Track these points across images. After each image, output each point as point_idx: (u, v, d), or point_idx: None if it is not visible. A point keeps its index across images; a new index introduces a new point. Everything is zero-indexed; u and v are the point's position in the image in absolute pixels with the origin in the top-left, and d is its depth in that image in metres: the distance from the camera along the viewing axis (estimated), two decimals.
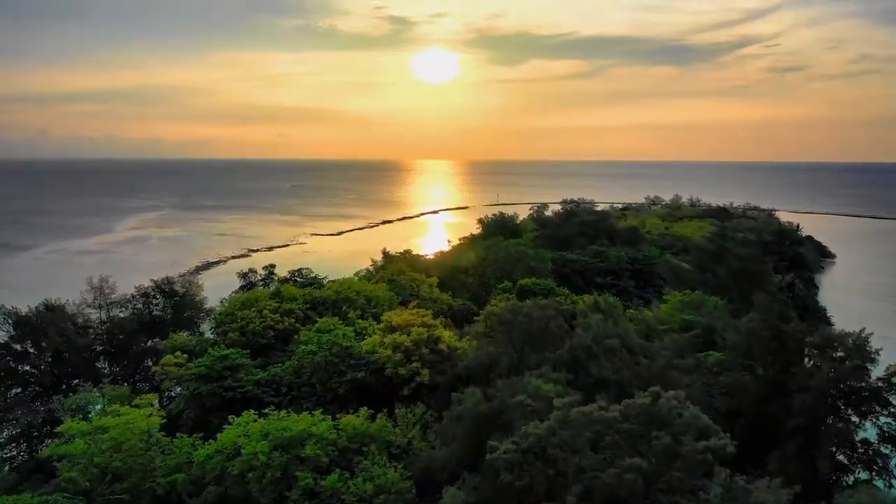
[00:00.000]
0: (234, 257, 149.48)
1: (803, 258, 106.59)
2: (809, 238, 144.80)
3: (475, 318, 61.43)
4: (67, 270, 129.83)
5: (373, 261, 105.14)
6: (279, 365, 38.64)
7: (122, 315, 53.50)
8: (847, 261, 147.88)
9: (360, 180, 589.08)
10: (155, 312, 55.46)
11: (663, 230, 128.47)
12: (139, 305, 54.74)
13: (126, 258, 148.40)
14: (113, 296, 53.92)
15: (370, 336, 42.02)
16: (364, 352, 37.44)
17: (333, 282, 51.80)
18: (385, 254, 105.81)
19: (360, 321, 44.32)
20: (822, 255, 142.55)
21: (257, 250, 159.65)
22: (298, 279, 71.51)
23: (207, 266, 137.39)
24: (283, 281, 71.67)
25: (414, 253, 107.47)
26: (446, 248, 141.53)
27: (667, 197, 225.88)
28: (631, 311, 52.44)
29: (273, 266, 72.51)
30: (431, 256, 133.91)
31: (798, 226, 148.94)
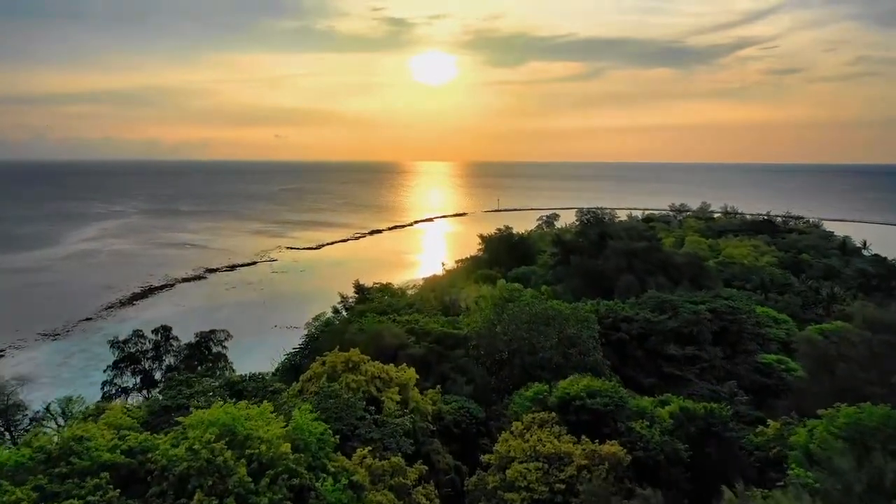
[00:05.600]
0: (185, 279, 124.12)
1: None
2: (880, 258, 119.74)
3: (481, 433, 37.43)
4: None
5: (342, 297, 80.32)
6: None
7: None
8: None
9: (355, 183, 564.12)
10: None
11: (709, 250, 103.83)
12: None
13: (56, 281, 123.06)
14: None
15: None
16: None
17: (211, 408, 25.81)
18: (358, 288, 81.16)
19: None
20: None
21: (216, 270, 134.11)
22: (206, 348, 46.70)
23: (148, 292, 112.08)
24: (186, 356, 46.72)
25: (395, 287, 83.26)
26: (440, 268, 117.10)
27: (689, 202, 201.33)
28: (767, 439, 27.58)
29: (168, 330, 47.39)
30: (423, 280, 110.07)
31: (865, 243, 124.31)
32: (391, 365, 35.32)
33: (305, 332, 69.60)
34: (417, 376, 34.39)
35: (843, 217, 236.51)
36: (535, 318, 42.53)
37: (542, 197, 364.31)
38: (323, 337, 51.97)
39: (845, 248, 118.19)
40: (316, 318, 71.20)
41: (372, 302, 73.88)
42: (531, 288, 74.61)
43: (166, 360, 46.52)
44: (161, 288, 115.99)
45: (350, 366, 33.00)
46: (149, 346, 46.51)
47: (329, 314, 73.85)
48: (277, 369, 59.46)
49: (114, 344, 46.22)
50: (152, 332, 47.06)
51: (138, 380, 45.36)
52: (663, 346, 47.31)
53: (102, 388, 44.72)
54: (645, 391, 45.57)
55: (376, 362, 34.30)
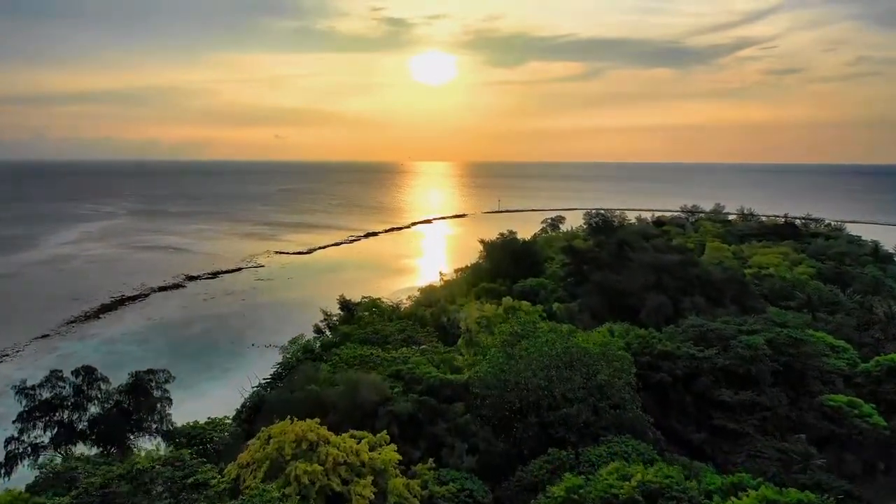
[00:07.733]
0: (162, 288, 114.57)
1: None
2: None
3: None
4: None
5: (326, 314, 70.58)
6: None
7: None
8: None
9: (354, 183, 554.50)
10: None
11: (734, 259, 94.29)
12: None
13: (18, 290, 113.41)
14: None
15: None
16: None
17: None
18: (343, 304, 71.55)
19: None
20: None
21: (197, 277, 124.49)
22: (143, 392, 37.29)
23: (118, 303, 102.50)
24: (117, 402, 37.23)
25: (387, 302, 73.52)
26: (438, 277, 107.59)
27: (691, 202, 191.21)
28: None
29: (91, 372, 37.64)
30: (418, 290, 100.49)
31: None
32: (366, 435, 25.82)
33: (280, 357, 60.48)
34: (400, 457, 24.90)
35: (854, 218, 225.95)
36: (555, 361, 33.07)
37: (543, 197, 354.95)
38: (291, 376, 42.39)
39: (878, 255, 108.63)
40: (293, 342, 61.77)
41: (359, 322, 64.49)
42: (541, 304, 65.16)
43: (90, 408, 36.98)
44: (134, 298, 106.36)
45: (305, 447, 23.46)
46: (69, 391, 37.00)
47: (309, 337, 64.45)
48: (244, 406, 50.20)
49: (20, 390, 36.63)
50: (72, 373, 37.49)
51: (53, 433, 35.88)
52: (713, 391, 37.84)
53: (6, 447, 35.24)
54: (695, 452, 36.12)
55: (344, 436, 24.75)
